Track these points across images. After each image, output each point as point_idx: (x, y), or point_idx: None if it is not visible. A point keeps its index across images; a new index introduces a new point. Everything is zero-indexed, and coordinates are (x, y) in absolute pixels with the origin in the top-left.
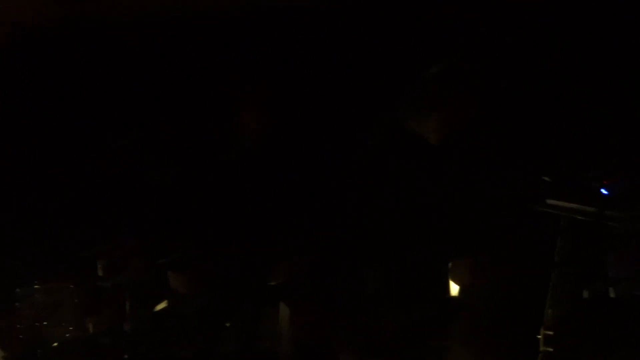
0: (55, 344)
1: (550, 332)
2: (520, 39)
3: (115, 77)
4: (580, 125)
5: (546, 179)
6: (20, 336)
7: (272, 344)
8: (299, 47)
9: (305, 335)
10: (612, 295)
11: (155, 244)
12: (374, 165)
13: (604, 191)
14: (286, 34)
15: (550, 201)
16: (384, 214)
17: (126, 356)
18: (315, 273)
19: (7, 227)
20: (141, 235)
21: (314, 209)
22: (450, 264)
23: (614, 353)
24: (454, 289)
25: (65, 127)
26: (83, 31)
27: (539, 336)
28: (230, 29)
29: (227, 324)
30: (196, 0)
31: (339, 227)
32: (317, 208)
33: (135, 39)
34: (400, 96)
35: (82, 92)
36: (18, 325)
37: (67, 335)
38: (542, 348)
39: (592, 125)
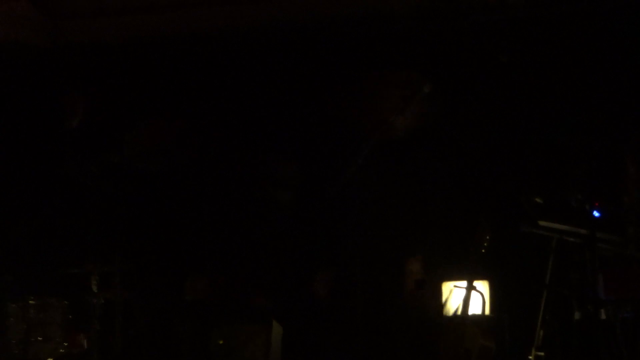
0: (47, 358)
1: (542, 353)
2: (510, 65)
3: (101, 93)
4: (573, 150)
5: (538, 200)
6: (15, 351)
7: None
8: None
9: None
10: (602, 316)
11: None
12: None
13: (595, 213)
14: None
15: (542, 223)
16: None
17: None
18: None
19: (1, 244)
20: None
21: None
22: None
23: None
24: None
25: (55, 145)
26: (72, 48)
27: (531, 357)
28: (216, 47)
29: (220, 342)
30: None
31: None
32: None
33: (123, 56)
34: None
35: (70, 107)
36: (11, 341)
37: (61, 350)
38: None
39: (585, 151)
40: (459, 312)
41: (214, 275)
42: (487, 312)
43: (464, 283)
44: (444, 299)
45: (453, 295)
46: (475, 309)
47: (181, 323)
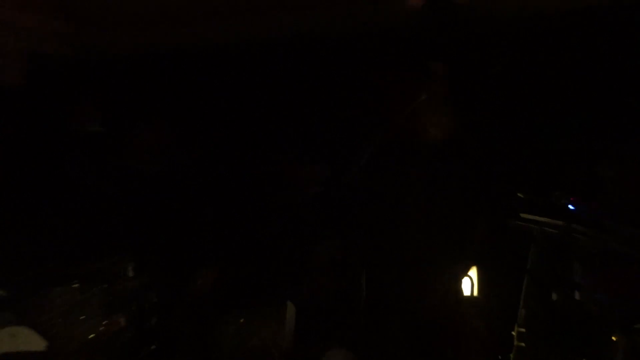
0: (90, 336)
1: (523, 329)
2: (498, 68)
3: (129, 104)
4: (552, 150)
5: (521, 196)
6: (56, 330)
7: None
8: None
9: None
10: (577, 297)
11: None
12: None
13: (571, 207)
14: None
15: (524, 215)
16: (377, 224)
17: (153, 347)
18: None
19: (45, 233)
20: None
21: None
22: None
23: (578, 347)
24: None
25: (86, 146)
26: (98, 60)
27: (514, 332)
28: (237, 58)
29: (241, 320)
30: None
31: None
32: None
33: (148, 67)
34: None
35: (96, 117)
36: (54, 320)
37: (100, 329)
38: (516, 343)
39: (563, 150)
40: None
41: (232, 265)
42: (475, 294)
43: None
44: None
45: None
46: (465, 291)
47: (203, 307)
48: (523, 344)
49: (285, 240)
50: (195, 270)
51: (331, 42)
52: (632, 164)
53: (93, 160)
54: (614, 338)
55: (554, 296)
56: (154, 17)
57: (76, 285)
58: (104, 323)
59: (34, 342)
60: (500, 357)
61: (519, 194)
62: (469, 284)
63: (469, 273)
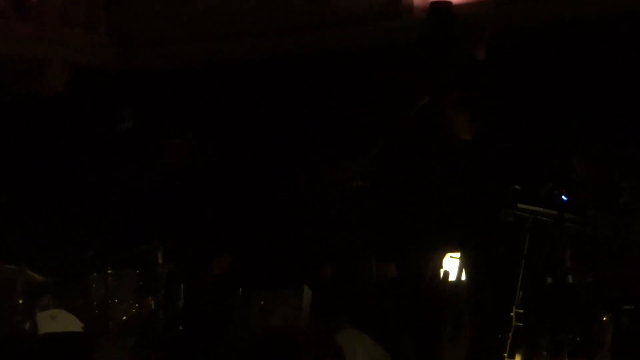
0: (123, 318)
1: (521, 310)
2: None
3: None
4: (546, 146)
5: (517, 187)
6: (96, 311)
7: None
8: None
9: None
10: (569, 281)
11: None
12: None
13: (563, 198)
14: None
15: (520, 205)
16: (387, 214)
17: (180, 327)
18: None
19: (82, 225)
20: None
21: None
22: None
23: (571, 326)
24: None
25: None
26: (136, 72)
27: (512, 313)
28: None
29: (262, 302)
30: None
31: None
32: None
33: (184, 79)
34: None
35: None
36: (93, 303)
37: (133, 310)
38: (514, 323)
39: (556, 147)
40: (455, 279)
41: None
42: (477, 278)
43: (457, 254)
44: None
45: (448, 265)
46: (467, 276)
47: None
48: (520, 324)
49: (308, 229)
50: (219, 256)
51: (347, 54)
52: (599, 160)
53: (130, 159)
54: (605, 318)
55: (549, 279)
56: (190, 34)
57: (110, 271)
58: (135, 306)
59: (72, 323)
60: (499, 335)
61: (515, 187)
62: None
63: (468, 259)
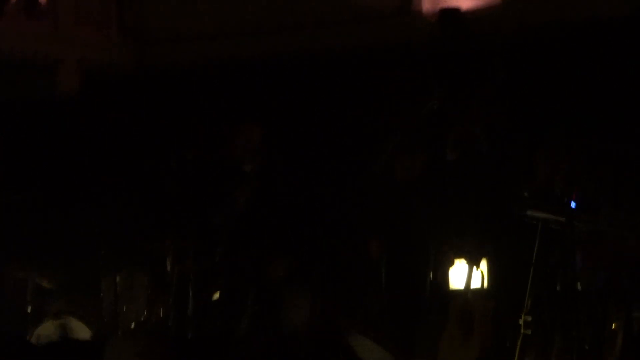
0: (133, 323)
1: (529, 318)
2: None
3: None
4: (554, 154)
5: (526, 194)
6: (105, 318)
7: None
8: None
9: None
10: (579, 287)
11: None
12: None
13: (572, 204)
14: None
15: (529, 212)
16: (400, 221)
17: (189, 334)
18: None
19: (93, 232)
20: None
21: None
22: None
23: (581, 334)
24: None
25: (138, 151)
26: (151, 73)
27: (520, 321)
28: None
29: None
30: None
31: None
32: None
33: (199, 80)
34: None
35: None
36: (103, 309)
37: (142, 317)
38: (522, 330)
39: (563, 155)
40: (464, 285)
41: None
42: (485, 285)
43: (466, 260)
44: (451, 275)
45: (459, 271)
46: (475, 283)
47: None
48: (529, 332)
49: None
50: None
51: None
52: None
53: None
54: (614, 325)
55: (558, 286)
56: (203, 31)
57: (119, 277)
58: (145, 312)
59: (81, 331)
60: (508, 343)
61: (524, 193)
62: (480, 276)
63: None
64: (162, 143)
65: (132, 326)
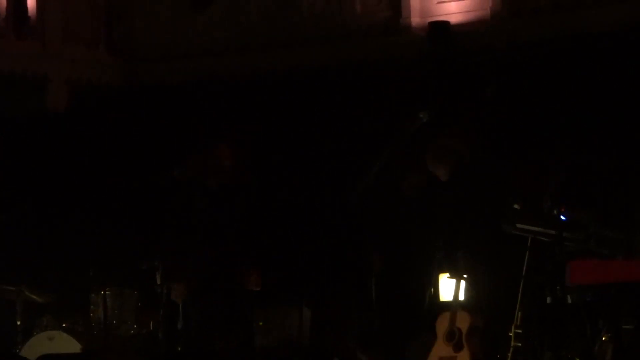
0: (122, 338)
1: (520, 330)
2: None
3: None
4: (543, 168)
5: (516, 207)
6: (94, 332)
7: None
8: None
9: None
10: (569, 300)
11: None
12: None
13: (562, 217)
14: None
15: (519, 225)
16: (398, 237)
17: (179, 348)
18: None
19: (83, 248)
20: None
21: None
22: None
23: (570, 347)
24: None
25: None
26: (139, 90)
27: (511, 333)
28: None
29: (260, 323)
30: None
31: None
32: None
33: (186, 97)
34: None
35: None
36: (92, 324)
37: (131, 331)
38: (513, 343)
39: (553, 168)
40: (452, 298)
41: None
42: (475, 298)
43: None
44: (440, 288)
45: (446, 284)
46: (465, 296)
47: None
48: (520, 344)
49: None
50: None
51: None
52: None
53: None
54: (604, 337)
55: (548, 299)
56: (190, 49)
57: (109, 292)
58: (134, 326)
59: (70, 345)
60: (498, 356)
61: (514, 206)
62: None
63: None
64: (150, 160)
65: (122, 341)
